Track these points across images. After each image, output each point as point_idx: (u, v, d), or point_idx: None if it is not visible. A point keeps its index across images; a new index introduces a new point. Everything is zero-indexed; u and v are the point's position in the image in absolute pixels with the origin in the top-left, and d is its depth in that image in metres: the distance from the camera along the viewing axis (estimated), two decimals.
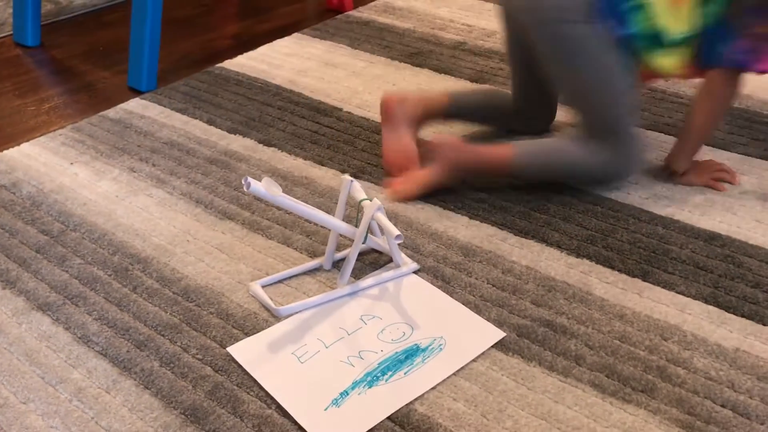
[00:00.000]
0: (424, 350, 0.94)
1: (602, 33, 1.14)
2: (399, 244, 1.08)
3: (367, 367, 0.92)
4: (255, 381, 0.91)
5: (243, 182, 0.93)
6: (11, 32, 2.03)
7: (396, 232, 0.96)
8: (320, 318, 1.01)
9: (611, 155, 1.18)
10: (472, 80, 1.66)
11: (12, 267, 1.12)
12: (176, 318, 1.01)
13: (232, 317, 1.01)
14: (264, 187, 0.94)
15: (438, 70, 1.72)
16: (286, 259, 1.12)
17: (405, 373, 0.91)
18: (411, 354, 0.94)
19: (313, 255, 1.13)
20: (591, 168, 1.21)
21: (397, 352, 0.94)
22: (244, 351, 0.95)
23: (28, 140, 1.48)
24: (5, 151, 1.44)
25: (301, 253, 1.14)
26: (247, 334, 0.98)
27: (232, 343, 0.97)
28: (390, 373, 0.91)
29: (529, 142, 1.26)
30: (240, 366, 0.93)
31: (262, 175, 1.34)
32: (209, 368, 0.93)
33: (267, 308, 1.02)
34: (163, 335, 0.99)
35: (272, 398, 0.89)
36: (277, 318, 1.01)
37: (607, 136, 1.18)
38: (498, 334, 0.96)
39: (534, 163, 1.22)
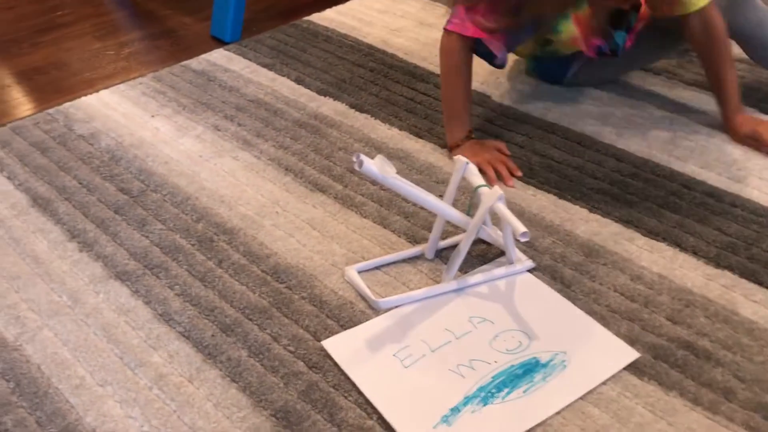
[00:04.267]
0: (544, 366, 0.83)
1: None
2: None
3: (480, 380, 0.81)
4: (353, 383, 0.81)
5: (354, 159, 0.81)
6: None
7: (522, 228, 0.84)
8: (423, 315, 0.90)
9: None
10: None
11: (89, 228, 1.04)
12: (265, 300, 0.92)
13: (327, 305, 0.91)
14: (377, 167, 0.82)
15: None
16: (382, 242, 1.01)
17: (524, 392, 0.79)
18: (529, 369, 0.82)
19: (412, 240, 1.02)
20: None
21: (513, 366, 0.83)
22: (340, 346, 0.85)
23: (107, 87, 1.40)
24: (83, 98, 1.36)
25: (399, 236, 1.02)
26: (343, 327, 0.88)
27: (327, 336, 0.87)
28: (506, 390, 0.80)
29: None
30: (336, 363, 0.83)
31: (355, 144, 1.22)
32: (302, 363, 0.84)
33: (365, 298, 0.92)
34: (251, 319, 0.89)
35: (373, 406, 0.79)
36: (375, 311, 0.91)
37: None
38: (631, 354, 0.83)
39: None
